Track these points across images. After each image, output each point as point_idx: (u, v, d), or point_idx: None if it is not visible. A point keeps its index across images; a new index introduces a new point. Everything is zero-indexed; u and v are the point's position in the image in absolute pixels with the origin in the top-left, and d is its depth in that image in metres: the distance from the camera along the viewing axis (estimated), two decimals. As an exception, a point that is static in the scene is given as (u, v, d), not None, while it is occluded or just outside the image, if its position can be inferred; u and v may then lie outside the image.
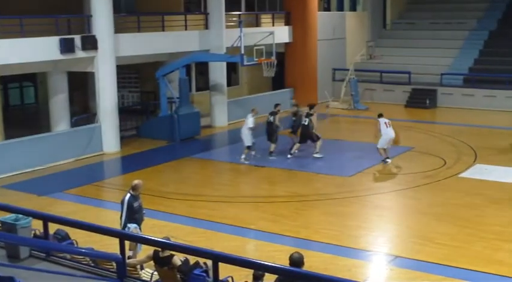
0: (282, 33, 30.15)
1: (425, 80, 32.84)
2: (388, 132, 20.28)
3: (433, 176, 19.02)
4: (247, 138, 20.58)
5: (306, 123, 20.82)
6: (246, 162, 20.58)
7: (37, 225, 10.12)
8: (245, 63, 23.80)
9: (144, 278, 9.98)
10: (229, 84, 28.66)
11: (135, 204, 12.21)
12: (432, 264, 12.55)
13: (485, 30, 35.54)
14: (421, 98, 31.46)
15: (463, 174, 19.13)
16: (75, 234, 11.26)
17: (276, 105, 21.39)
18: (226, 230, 14.68)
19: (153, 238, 9.41)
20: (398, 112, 30.43)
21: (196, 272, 9.56)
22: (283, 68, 31.36)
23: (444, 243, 13.66)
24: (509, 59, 32.51)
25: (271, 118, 20.93)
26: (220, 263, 8.01)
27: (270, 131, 21.05)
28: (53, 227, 10.48)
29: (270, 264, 7.83)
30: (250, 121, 20.52)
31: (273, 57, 24.42)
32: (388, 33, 38.73)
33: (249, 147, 20.66)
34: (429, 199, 16.91)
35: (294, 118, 22.34)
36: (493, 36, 34.96)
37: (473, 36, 35.39)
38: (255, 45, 24.07)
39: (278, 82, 31.89)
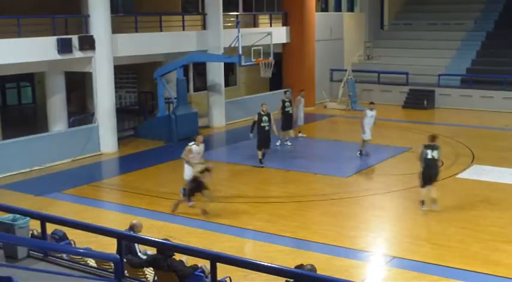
0: (279, 34, 30.17)
1: (423, 80, 32.87)
2: None
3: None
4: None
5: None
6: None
7: (35, 225, 10.12)
8: (243, 63, 23.78)
9: (147, 277, 9.98)
10: (226, 84, 28.67)
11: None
12: (429, 265, 12.56)
13: (482, 31, 35.60)
14: (419, 99, 31.48)
15: (460, 175, 19.15)
16: (72, 234, 11.26)
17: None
18: (224, 230, 14.69)
19: (152, 238, 9.41)
20: (396, 113, 30.47)
21: (194, 272, 9.56)
22: (281, 69, 31.37)
23: (441, 244, 13.67)
24: (506, 59, 32.57)
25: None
26: (218, 264, 8.02)
27: None
28: (50, 227, 10.49)
29: (268, 264, 7.84)
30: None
31: (271, 58, 24.42)
32: (385, 34, 38.79)
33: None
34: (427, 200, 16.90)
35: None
36: (490, 37, 35.02)
37: (470, 37, 35.46)
38: (253, 46, 24.05)
39: (276, 83, 31.89)
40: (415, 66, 33.48)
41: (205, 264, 9.52)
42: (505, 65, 32.05)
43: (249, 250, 13.86)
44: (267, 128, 20.03)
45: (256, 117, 20.08)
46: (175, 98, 24.60)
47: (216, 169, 20.22)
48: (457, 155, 21.48)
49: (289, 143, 23.08)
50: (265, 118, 20.01)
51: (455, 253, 13.16)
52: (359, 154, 21.21)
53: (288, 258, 12.52)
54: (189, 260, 10.04)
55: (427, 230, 14.60)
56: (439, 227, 14.75)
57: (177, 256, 9.73)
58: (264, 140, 20.00)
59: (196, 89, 29.90)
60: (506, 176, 19.00)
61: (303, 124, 24.70)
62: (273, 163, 20.40)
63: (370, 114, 21.07)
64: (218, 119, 27.20)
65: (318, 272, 9.08)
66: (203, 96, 28.07)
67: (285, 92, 23.83)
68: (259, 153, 20.20)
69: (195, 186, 15.46)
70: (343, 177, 19.21)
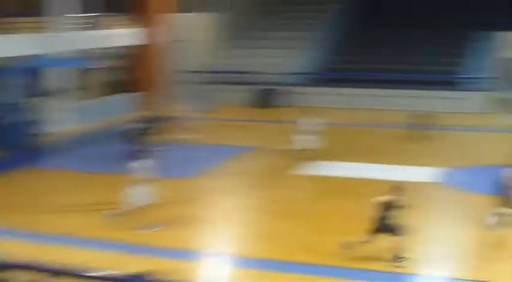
0: (128, 36, 29.35)
1: (274, 79, 33.04)
2: None
3: (274, 174, 19.33)
4: None
5: None
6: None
7: None
8: (87, 67, 23.00)
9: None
10: (72, 88, 27.46)
11: None
12: (275, 261, 12.57)
13: (336, 29, 36.44)
14: (268, 98, 31.78)
15: (303, 171, 19.46)
16: None
17: None
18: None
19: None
20: (245, 112, 30.69)
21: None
22: (128, 72, 30.47)
23: (286, 239, 13.74)
24: (359, 58, 33.64)
25: None
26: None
27: None
28: None
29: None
30: None
31: (116, 61, 23.74)
32: (238, 34, 38.71)
33: None
34: (270, 197, 16.99)
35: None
36: (345, 36, 35.99)
37: (323, 36, 36.21)
38: (98, 49, 23.26)
39: (123, 86, 30.95)
40: (267, 66, 33.49)
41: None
42: (356, 63, 33.04)
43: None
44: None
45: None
46: (10, 104, 23.17)
47: (50, 177, 19.08)
48: (301, 152, 21.65)
49: None
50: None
51: (298, 247, 13.21)
52: None
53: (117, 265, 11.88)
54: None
55: (271, 227, 14.58)
56: (283, 223, 14.79)
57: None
58: None
59: (36, 94, 28.36)
60: (342, 169, 19.49)
61: None
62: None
63: None
64: (60, 124, 25.90)
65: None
66: (44, 101, 26.71)
67: None
68: None
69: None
70: (186, 178, 18.86)
